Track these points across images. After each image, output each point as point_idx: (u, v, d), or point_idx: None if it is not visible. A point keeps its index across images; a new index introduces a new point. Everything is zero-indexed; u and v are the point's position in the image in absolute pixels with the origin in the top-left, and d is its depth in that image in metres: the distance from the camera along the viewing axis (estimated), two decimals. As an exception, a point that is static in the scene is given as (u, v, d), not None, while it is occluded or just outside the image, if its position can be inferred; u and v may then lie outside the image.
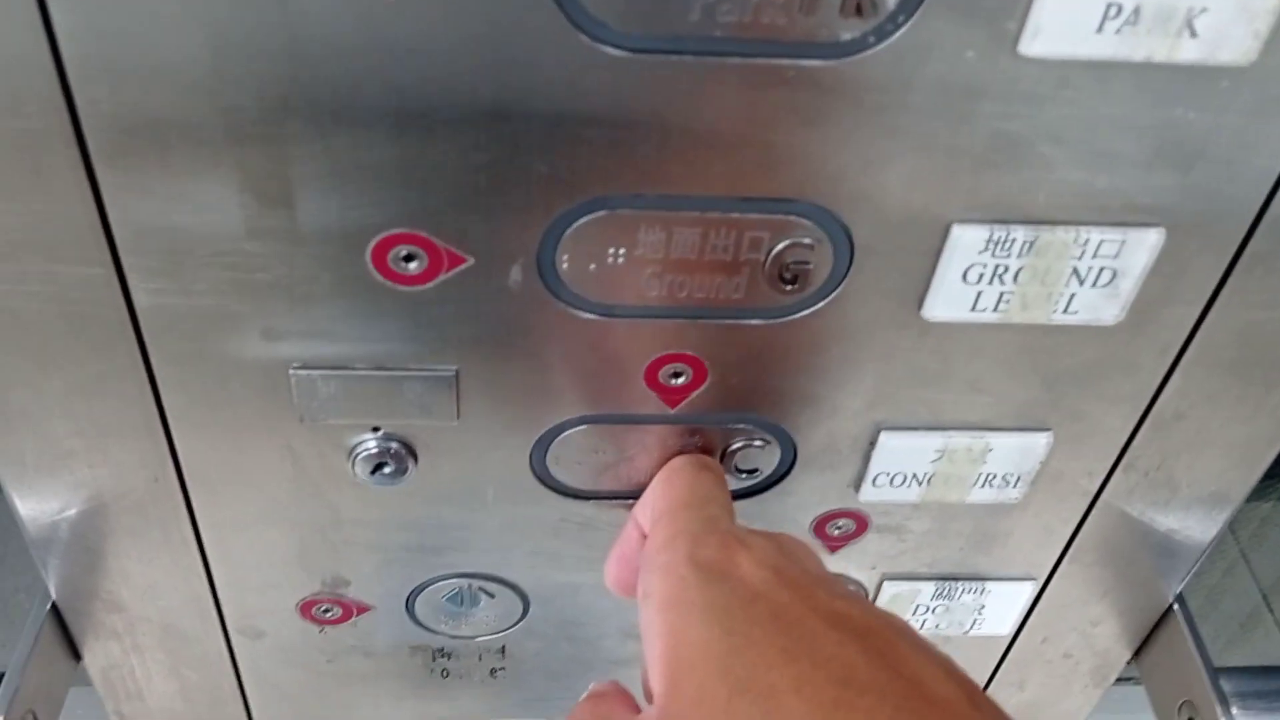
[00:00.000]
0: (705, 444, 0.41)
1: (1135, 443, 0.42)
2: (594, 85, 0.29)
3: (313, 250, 0.32)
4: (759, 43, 0.29)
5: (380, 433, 0.38)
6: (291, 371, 0.36)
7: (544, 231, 0.33)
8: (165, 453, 0.38)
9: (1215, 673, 0.49)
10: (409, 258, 0.33)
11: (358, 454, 0.39)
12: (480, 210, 0.32)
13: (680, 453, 0.41)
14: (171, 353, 0.35)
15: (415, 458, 0.39)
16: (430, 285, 0.34)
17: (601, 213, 0.32)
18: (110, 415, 0.37)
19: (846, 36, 0.29)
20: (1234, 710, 0.47)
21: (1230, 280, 0.37)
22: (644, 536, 0.38)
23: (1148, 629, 0.53)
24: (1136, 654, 0.54)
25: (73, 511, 0.40)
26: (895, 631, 0.30)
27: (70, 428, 0.37)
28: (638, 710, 0.34)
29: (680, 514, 0.36)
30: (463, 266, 0.33)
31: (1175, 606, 0.51)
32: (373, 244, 0.32)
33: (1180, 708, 0.50)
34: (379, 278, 0.33)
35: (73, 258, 0.32)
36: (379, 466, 0.39)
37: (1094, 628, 0.52)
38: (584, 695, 0.36)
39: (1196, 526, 0.46)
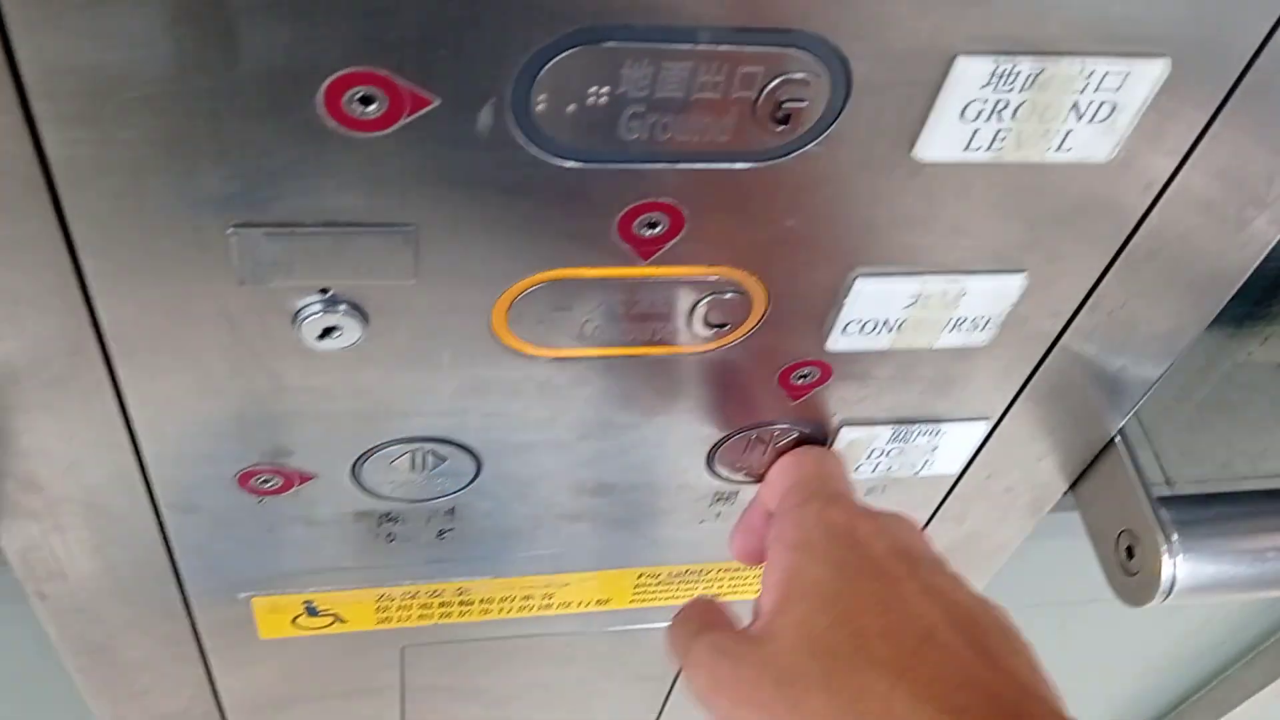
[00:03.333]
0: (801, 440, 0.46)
1: (1104, 282, 0.42)
2: (583, -103, 0.26)
3: (257, 92, 0.28)
4: None
5: (329, 294, 0.35)
6: (231, 230, 0.32)
7: (520, 68, 0.29)
8: (86, 322, 0.34)
9: (1156, 503, 0.50)
10: (366, 100, 0.29)
11: (304, 318, 0.35)
12: (449, 44, 0.28)
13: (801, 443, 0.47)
14: (92, 211, 0.31)
15: (367, 320, 0.36)
16: (389, 131, 0.30)
17: (585, 46, 0.29)
18: (23, 283, 0.32)
19: None
20: (1174, 537, 0.49)
21: (1222, 113, 0.35)
22: (768, 513, 0.44)
23: (1088, 461, 0.53)
24: (1074, 485, 0.55)
25: (-20, 389, 0.36)
26: (981, 609, 0.36)
27: (-24, 299, 0.33)
28: (734, 625, 0.39)
29: (813, 483, 0.43)
30: (427, 109, 0.30)
31: (1117, 439, 0.52)
32: (326, 84, 0.29)
33: (1120, 536, 0.51)
34: (332, 123, 0.30)
35: (-29, 104, 0.27)
36: (327, 331, 0.36)
37: (1038, 463, 0.53)
38: (686, 603, 0.42)
39: (1148, 362, 0.47)
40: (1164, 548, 0.49)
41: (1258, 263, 0.42)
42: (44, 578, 0.47)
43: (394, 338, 0.37)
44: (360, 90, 0.29)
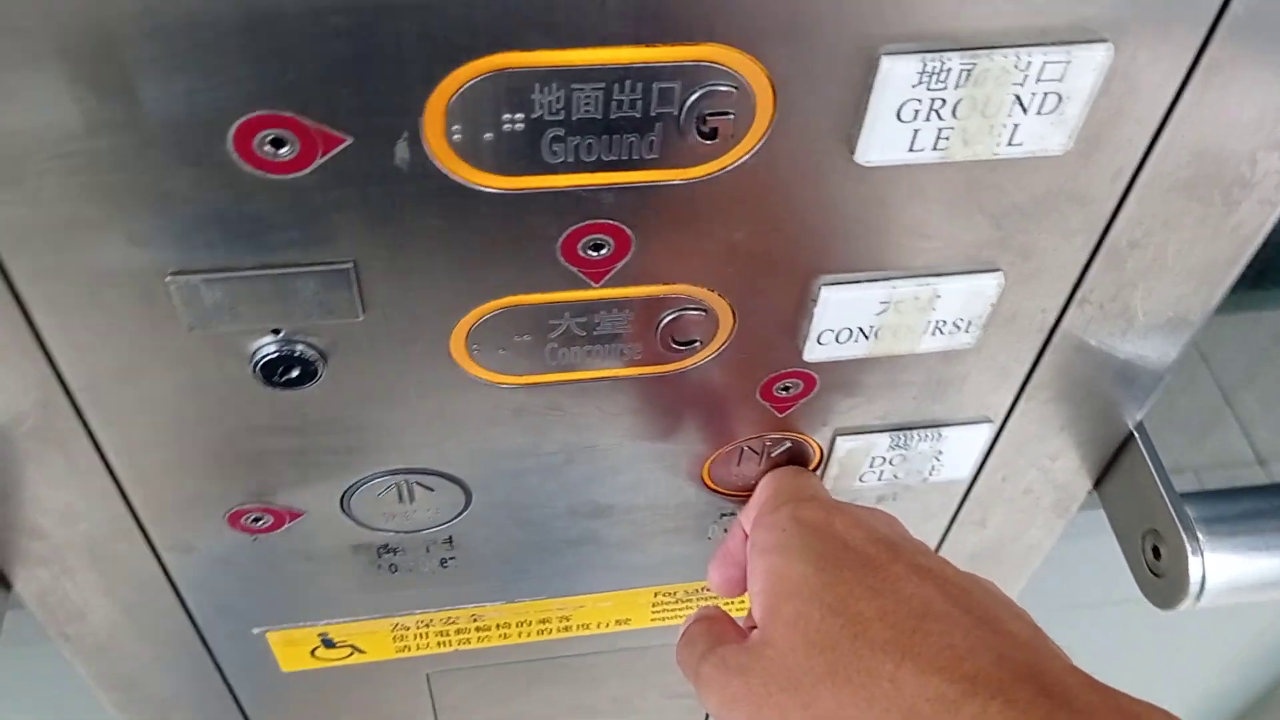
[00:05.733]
0: (795, 450, 0.46)
1: (1089, 275, 0.40)
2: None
3: (167, 143, 0.29)
4: None
5: (281, 335, 0.35)
6: (168, 279, 0.32)
7: (425, 102, 0.29)
8: (49, 374, 0.35)
9: (1179, 499, 0.47)
10: (278, 142, 0.29)
11: (259, 359, 0.36)
12: (348, 82, 0.28)
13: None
14: (32, 268, 0.32)
15: (324, 358, 0.36)
16: (308, 171, 0.30)
17: (487, 76, 0.29)
18: (-19, 342, 0.33)
19: None
20: (1200, 535, 0.46)
21: (1185, 94, 0.34)
22: (746, 538, 0.43)
23: (1108, 459, 0.51)
24: (1097, 484, 0.53)
25: (-35, 445, 0.37)
26: (971, 582, 0.36)
27: (-61, 359, 0.34)
28: (743, 634, 0.38)
29: (784, 493, 0.42)
30: (341, 147, 0.30)
31: (1135, 434, 0.50)
32: (233, 130, 0.29)
33: (1145, 536, 0.49)
34: (248, 168, 0.30)
35: (-105, 175, 0.28)
36: (284, 371, 0.36)
37: (1053, 462, 0.51)
38: (691, 618, 0.41)
39: (1154, 354, 0.45)
40: (1189, 546, 0.46)
41: (1256, 246, 0.40)
42: (64, 620, 0.48)
43: (355, 374, 0.37)
44: (270, 133, 0.29)
